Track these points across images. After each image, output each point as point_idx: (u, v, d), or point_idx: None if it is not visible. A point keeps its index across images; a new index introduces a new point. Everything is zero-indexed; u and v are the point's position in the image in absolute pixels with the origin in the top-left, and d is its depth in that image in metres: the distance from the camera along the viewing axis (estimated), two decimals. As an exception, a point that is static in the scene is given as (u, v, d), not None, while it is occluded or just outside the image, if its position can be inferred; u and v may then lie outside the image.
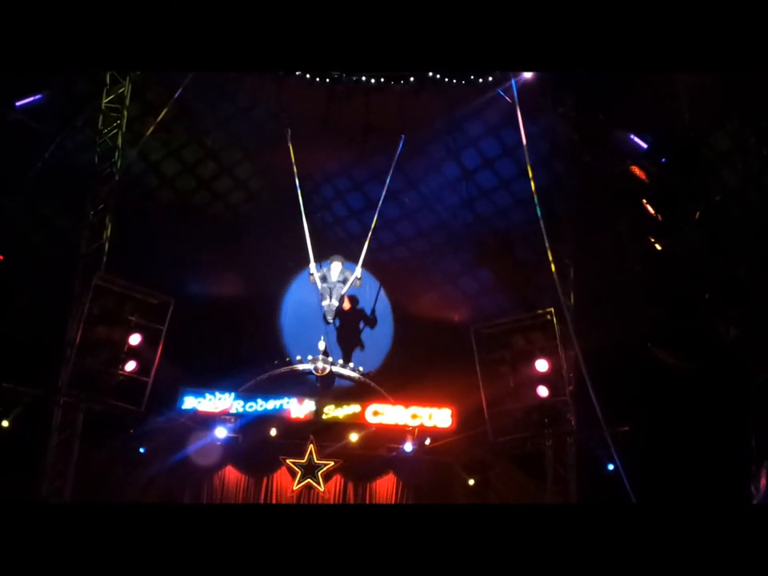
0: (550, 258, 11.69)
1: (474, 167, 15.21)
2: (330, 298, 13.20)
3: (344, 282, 13.49)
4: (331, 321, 13.55)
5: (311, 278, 13.38)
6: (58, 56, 7.12)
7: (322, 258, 13.57)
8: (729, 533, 5.89)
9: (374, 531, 6.09)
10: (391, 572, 5.87)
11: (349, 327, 14.65)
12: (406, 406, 14.18)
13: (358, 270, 13.57)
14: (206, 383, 14.02)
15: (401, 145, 13.78)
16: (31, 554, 5.67)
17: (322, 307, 13.48)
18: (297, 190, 13.38)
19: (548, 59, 7.82)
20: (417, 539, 6.04)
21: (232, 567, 5.86)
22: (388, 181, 13.85)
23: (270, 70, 12.51)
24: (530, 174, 10.87)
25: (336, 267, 13.53)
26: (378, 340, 15.10)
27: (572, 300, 13.63)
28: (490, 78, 13.25)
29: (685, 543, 5.87)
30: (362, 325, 14.89)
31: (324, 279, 13.36)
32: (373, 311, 14.99)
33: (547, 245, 11.29)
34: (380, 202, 13.87)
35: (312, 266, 13.37)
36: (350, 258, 13.89)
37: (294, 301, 15.07)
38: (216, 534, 6.01)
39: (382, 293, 15.04)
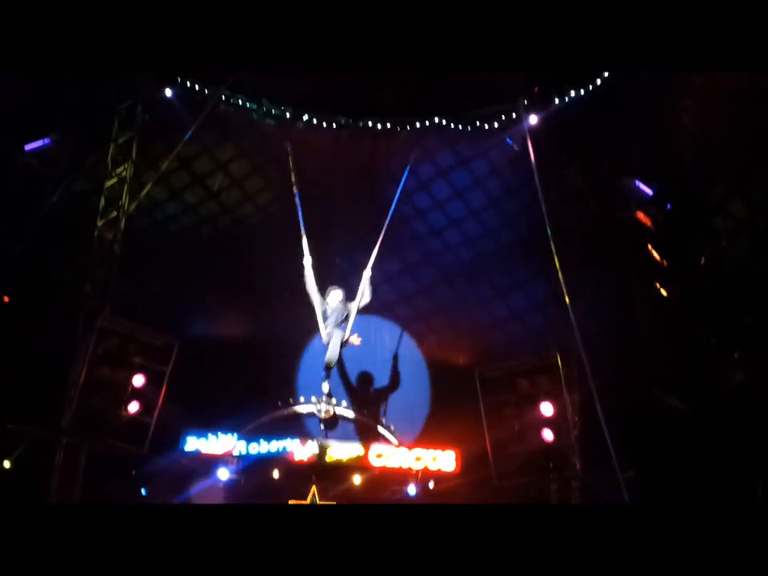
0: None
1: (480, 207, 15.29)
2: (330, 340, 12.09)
3: (345, 319, 12.26)
4: (329, 371, 12.38)
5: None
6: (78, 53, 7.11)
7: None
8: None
9: (377, 532, 6.06)
10: (395, 572, 5.84)
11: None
12: (410, 449, 14.12)
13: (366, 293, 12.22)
14: (208, 424, 13.97)
15: (405, 175, 13.47)
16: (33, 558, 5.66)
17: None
18: (301, 230, 12.86)
19: (550, 59, 7.81)
20: (419, 539, 6.01)
21: (235, 569, 5.83)
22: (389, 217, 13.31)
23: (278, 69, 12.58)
24: (546, 221, 10.83)
25: (336, 296, 12.37)
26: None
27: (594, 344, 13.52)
28: (496, 125, 13.35)
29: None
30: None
31: (325, 315, 12.22)
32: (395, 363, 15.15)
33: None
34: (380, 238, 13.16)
35: (314, 294, 12.19)
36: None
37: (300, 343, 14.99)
38: (221, 535, 5.98)
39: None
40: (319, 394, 14.00)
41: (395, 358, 15.43)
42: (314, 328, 12.31)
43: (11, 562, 5.67)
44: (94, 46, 6.99)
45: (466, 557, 5.94)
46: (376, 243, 12.56)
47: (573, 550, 5.95)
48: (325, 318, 12.21)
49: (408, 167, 13.40)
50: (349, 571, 5.88)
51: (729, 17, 6.79)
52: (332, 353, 12.10)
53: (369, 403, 15.15)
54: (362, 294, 12.21)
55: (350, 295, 12.43)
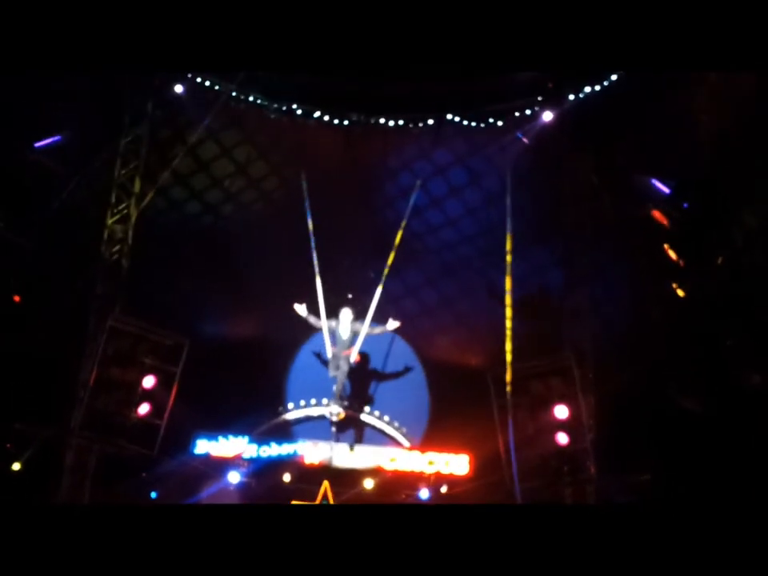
0: None
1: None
2: (337, 368, 12.74)
3: (354, 335, 12.98)
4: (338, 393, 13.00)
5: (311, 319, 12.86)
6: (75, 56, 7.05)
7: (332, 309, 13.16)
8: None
9: (381, 532, 5.99)
10: (397, 573, 5.76)
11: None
12: (423, 452, 14.01)
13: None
14: (219, 426, 13.90)
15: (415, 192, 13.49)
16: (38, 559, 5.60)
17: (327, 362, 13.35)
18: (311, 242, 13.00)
19: (555, 60, 7.74)
20: (421, 540, 5.94)
21: (238, 569, 5.76)
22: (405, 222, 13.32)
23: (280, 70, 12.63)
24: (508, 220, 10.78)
25: (346, 318, 12.86)
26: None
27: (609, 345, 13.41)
28: (509, 121, 13.26)
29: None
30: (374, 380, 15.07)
31: (333, 336, 12.81)
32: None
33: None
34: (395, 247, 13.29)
35: (323, 318, 12.86)
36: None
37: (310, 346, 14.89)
38: (224, 535, 5.91)
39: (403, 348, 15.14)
40: (331, 396, 14.00)
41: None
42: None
43: (18, 562, 5.61)
44: (101, 47, 6.94)
45: (475, 557, 5.86)
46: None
47: (583, 551, 5.87)
48: (333, 342, 12.38)
49: (419, 183, 13.49)
50: (357, 572, 5.80)
51: (729, 17, 6.72)
52: (340, 384, 12.79)
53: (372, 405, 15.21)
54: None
55: (359, 313, 12.61)
